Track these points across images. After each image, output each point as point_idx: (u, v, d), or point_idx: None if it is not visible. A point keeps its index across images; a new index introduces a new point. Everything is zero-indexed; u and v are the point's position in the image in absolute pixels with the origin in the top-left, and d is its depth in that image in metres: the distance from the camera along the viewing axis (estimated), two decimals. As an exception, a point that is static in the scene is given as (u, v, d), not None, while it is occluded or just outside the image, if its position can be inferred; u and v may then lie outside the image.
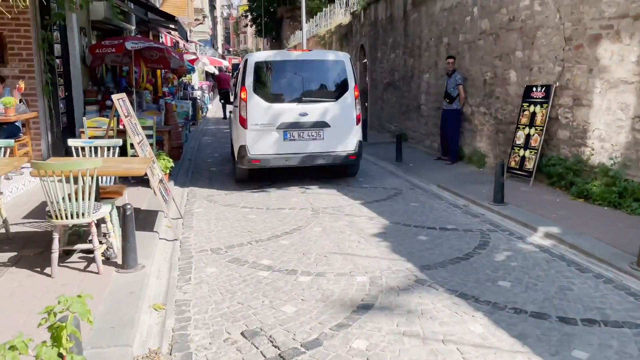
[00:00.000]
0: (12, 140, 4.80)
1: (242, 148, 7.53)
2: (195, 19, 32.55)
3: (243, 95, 7.54)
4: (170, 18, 11.06)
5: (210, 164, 9.96)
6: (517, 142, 7.63)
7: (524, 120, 7.56)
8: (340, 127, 7.66)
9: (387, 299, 3.79)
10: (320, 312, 3.59)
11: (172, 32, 19.24)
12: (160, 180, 5.84)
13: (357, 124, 7.83)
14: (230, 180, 8.38)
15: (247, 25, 72.00)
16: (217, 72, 40.53)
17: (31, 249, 4.67)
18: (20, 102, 7.20)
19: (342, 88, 7.84)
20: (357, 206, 6.59)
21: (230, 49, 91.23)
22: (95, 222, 4.23)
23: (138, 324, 3.43)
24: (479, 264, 4.52)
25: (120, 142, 5.16)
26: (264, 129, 7.49)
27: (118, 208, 4.62)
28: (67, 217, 4.00)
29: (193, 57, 24.78)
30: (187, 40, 13.48)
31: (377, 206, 6.56)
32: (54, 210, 3.98)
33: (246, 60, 7.89)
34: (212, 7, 53.74)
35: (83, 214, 4.04)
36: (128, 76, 10.98)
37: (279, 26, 50.47)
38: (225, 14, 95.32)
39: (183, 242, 5.27)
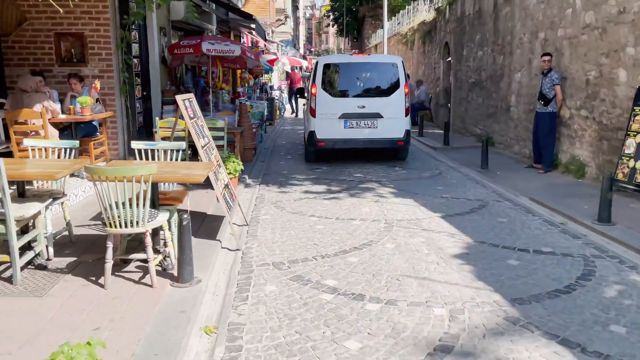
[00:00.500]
0: (77, 142, 4.67)
1: (312, 133, 9.38)
2: (277, 20, 32.82)
3: (313, 91, 9.41)
4: (248, 17, 10.90)
5: (282, 166, 9.67)
6: (626, 151, 6.62)
7: (635, 126, 6.56)
8: (391, 118, 9.30)
9: (470, 340, 3.19)
10: (389, 352, 3.06)
11: (253, 32, 19.35)
12: (226, 186, 5.54)
13: (405, 116, 9.45)
14: (300, 186, 8.02)
15: (328, 25, 72.21)
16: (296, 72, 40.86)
17: (91, 254, 4.51)
18: (96, 101, 7.23)
19: (394, 86, 9.48)
20: (436, 220, 5.95)
21: (312, 49, 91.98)
22: (151, 231, 3.96)
23: (184, 351, 3.08)
24: (584, 300, 3.77)
25: (183, 145, 4.91)
26: (329, 118, 9.26)
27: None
28: (120, 226, 3.75)
29: (273, 57, 24.95)
30: (265, 40, 13.29)
31: (458, 220, 5.89)
32: (107, 218, 3.74)
33: (317, 63, 9.77)
34: (295, 7, 54.24)
35: (137, 223, 3.78)
36: (206, 76, 10.95)
37: (361, 25, 49.98)
38: (307, 15, 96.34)
39: (245, 252, 4.93)
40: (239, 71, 11.69)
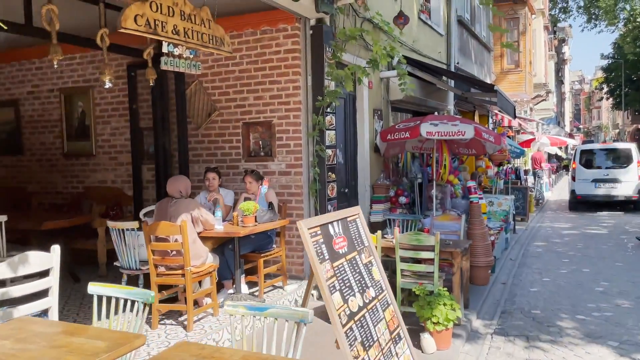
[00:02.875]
0: (151, 294, 2.82)
1: (572, 191, 15.29)
2: (537, 96, 29.11)
3: (574, 166, 15.34)
4: (489, 89, 8.43)
5: (534, 296, 6.53)
6: None
7: None
8: (627, 182, 14.41)
9: None
10: None
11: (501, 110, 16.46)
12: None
13: (638, 180, 14.30)
14: (568, 345, 4.85)
15: (601, 99, 63.44)
16: (559, 153, 35.63)
17: None
18: (269, 206, 5.60)
19: (629, 161, 14.70)
20: None
21: (580, 126, 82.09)
22: None
23: None
24: None
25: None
26: (584, 183, 14.88)
27: None
28: None
29: (530, 137, 21.41)
30: (514, 117, 10.48)
31: None
32: None
33: (576, 149, 16.44)
34: (559, 82, 48.86)
35: None
36: (431, 165, 8.77)
37: (646, 95, 41.75)
38: (574, 90, 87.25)
39: None
40: (471, 158, 9.15)
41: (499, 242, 8.45)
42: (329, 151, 6.37)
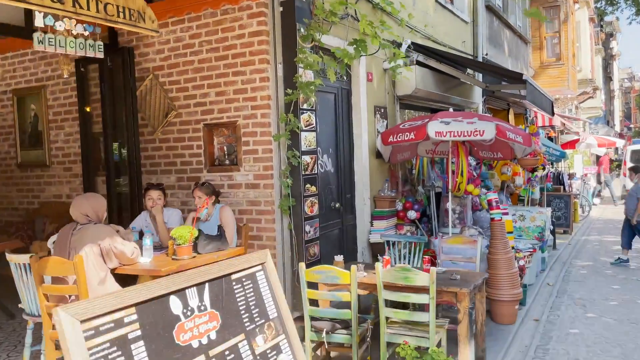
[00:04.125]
0: None
1: (624, 186, 17.17)
2: (583, 92, 26.85)
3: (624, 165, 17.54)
4: (517, 79, 6.93)
5: (573, 340, 5.05)
6: None
7: None
8: None
9: None
10: None
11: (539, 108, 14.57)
12: None
13: None
14: None
15: (654, 95, 59.41)
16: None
17: None
18: (218, 231, 4.37)
19: None
20: None
21: (631, 126, 77.29)
22: None
23: None
24: None
25: None
26: None
27: None
28: None
29: (574, 137, 19.46)
30: (552, 114, 8.90)
31: None
32: None
33: (626, 148, 18.83)
34: (608, 78, 45.78)
35: None
36: (446, 172, 7.42)
37: None
38: (624, 87, 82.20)
39: None
40: (501, 163, 7.61)
41: (532, 265, 6.94)
42: (307, 158, 5.09)
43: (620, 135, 43.93)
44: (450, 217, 6.53)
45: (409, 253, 5.45)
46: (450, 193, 6.53)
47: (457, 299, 3.91)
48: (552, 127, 19.03)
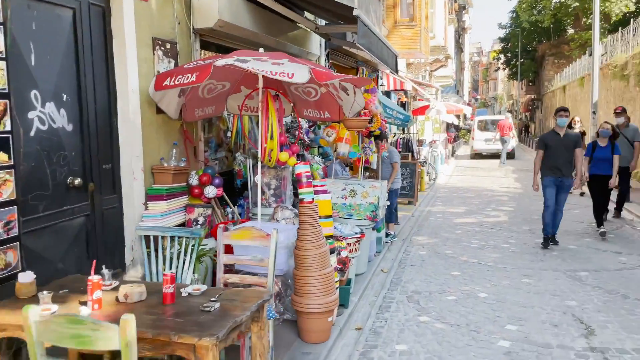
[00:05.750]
0: None
1: (472, 147, 24.27)
2: (436, 60, 27.13)
3: (474, 129, 24.44)
4: (345, 16, 5.34)
5: (400, 357, 3.77)
6: None
7: None
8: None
9: None
10: None
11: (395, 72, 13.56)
12: None
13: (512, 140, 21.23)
14: None
15: (498, 69, 64.37)
16: (457, 122, 34.79)
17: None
18: None
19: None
20: None
21: (478, 97, 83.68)
22: None
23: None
24: None
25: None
26: (480, 142, 23.36)
27: None
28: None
29: (426, 103, 19.20)
30: (395, 70, 7.65)
31: None
32: None
33: (475, 119, 26.48)
34: (459, 50, 48.03)
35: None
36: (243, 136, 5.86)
37: (539, 67, 41.89)
38: (473, 61, 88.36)
39: None
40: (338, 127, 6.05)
41: (363, 250, 5.64)
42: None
43: (469, 105, 46.65)
44: (259, 194, 4.90)
45: (182, 254, 3.69)
46: (259, 163, 4.89)
47: (195, 354, 2.24)
48: (405, 92, 18.52)
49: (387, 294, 5.39)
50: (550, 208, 7.07)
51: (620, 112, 8.84)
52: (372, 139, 6.81)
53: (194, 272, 3.63)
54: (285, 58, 4.31)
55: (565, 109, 7.14)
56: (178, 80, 4.20)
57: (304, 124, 6.96)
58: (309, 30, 7.62)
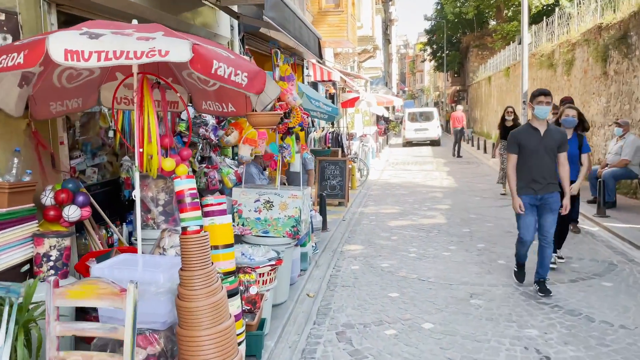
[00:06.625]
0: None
1: (404, 136, 26.65)
2: (364, 50, 26.47)
3: (406, 121, 26.72)
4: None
5: None
6: None
7: None
8: (432, 130, 25.41)
9: None
10: None
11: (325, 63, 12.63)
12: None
13: (437, 129, 25.57)
14: None
15: (424, 60, 65.30)
16: (386, 115, 34.55)
17: None
18: None
19: (432, 118, 25.76)
20: None
21: (406, 89, 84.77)
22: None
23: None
24: None
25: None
26: (410, 131, 25.77)
27: None
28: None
29: (355, 95, 18.38)
30: (319, 56, 6.61)
31: None
32: None
33: (405, 111, 29.71)
34: (387, 41, 47.94)
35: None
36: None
37: (464, 58, 42.52)
38: (400, 53, 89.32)
39: None
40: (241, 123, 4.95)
41: (283, 276, 4.55)
42: None
43: (397, 96, 46.72)
44: (139, 214, 3.66)
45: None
46: (136, 174, 3.65)
47: None
48: (334, 83, 17.59)
49: (313, 331, 4.34)
50: (528, 243, 4.96)
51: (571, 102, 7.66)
52: (293, 136, 5.71)
53: (14, 352, 2.38)
54: (160, 31, 3.10)
55: (547, 93, 4.79)
56: (1, 64, 2.90)
57: (210, 119, 5.73)
58: (211, 5, 6.39)
